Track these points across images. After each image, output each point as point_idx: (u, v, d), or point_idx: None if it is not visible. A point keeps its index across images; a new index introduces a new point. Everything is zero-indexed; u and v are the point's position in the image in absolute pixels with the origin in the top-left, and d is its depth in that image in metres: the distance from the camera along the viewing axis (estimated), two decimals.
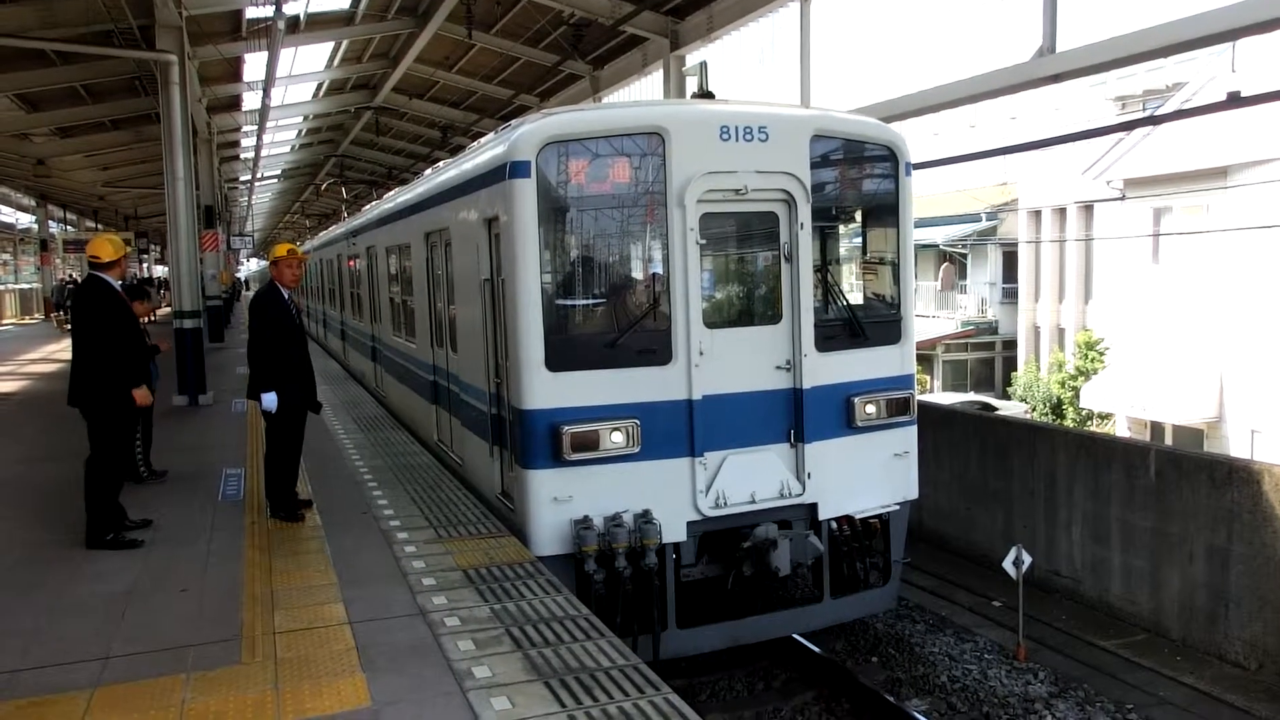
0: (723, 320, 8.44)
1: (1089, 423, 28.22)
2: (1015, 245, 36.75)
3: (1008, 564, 9.50)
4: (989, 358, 38.69)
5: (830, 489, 8.54)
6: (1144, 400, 25.44)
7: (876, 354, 8.89)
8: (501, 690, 5.15)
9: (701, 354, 8.04)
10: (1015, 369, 35.29)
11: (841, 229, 9.48)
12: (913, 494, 9.21)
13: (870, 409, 8.72)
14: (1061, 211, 33.42)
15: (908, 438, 9.08)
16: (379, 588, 6.81)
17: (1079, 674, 9.12)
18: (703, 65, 10.52)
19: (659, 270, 8.13)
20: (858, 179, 9.29)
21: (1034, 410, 30.55)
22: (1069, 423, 28.19)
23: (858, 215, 9.50)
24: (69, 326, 9.46)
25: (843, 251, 9.58)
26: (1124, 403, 26.47)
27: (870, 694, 8.49)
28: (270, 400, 8.38)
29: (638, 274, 8.43)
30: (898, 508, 9.06)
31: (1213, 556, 9.33)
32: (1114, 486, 10.35)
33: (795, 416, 8.40)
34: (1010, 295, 37.57)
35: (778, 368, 8.38)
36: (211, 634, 6.03)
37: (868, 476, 8.82)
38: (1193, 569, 9.53)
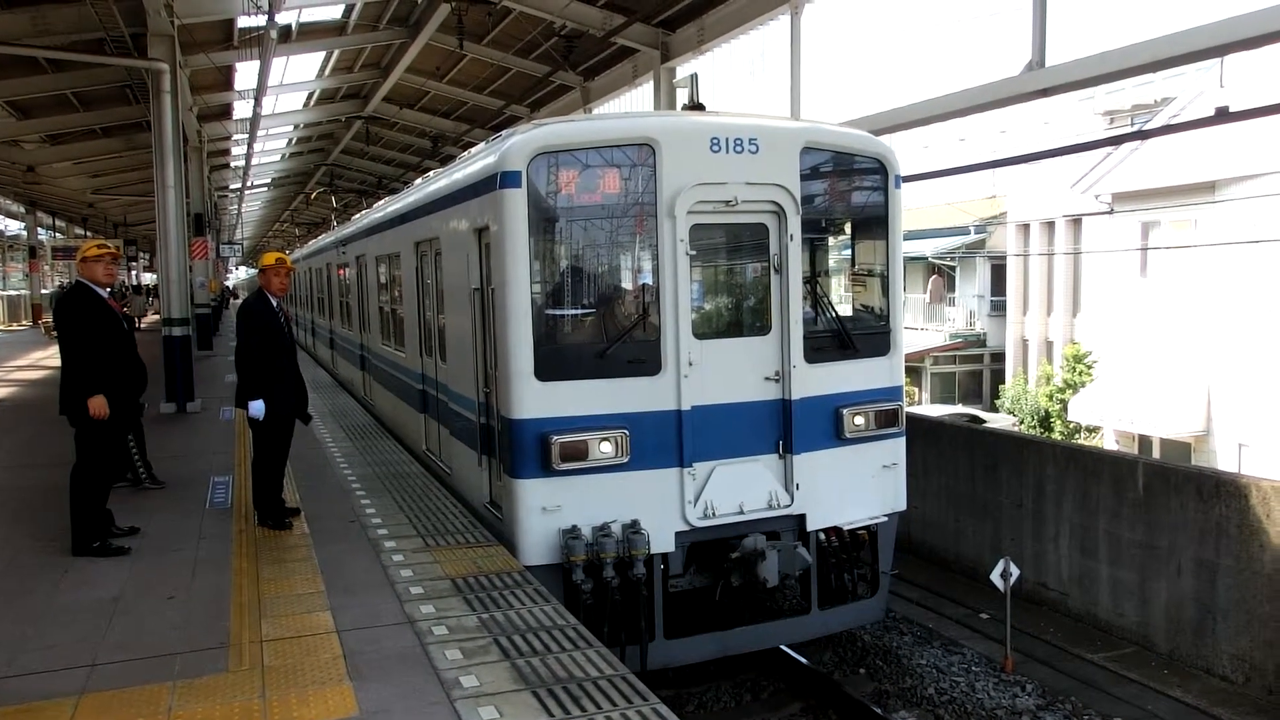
0: (712, 331, 8.45)
1: (1077, 435, 28.29)
2: (1004, 258, 36.87)
3: (995, 576, 9.51)
4: (977, 370, 38.79)
5: (819, 500, 8.55)
6: (1132, 413, 25.51)
7: (865, 366, 8.91)
8: (489, 699, 5.14)
9: (691, 364, 8.04)
10: (1003, 381, 35.37)
11: (831, 241, 9.50)
12: (901, 505, 9.23)
13: (859, 420, 8.74)
14: (1050, 225, 33.54)
15: (896, 449, 9.11)
16: (367, 596, 6.79)
17: (1066, 687, 9.13)
18: (693, 77, 10.55)
19: (649, 281, 8.14)
20: (847, 191, 9.32)
21: (1022, 423, 30.63)
22: (1057, 436, 28.26)
23: (847, 227, 9.52)
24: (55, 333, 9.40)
25: (832, 263, 9.59)
26: (1112, 416, 26.53)
27: (858, 705, 8.49)
28: (257, 408, 8.37)
29: (628, 284, 8.45)
30: (886, 519, 9.06)
31: (1200, 570, 9.36)
32: (1102, 499, 10.38)
33: (784, 427, 8.41)
34: (998, 308, 37.68)
35: (767, 379, 8.39)
36: (198, 642, 6.02)
37: (856, 488, 8.83)
38: (1180, 582, 9.55)
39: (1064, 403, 29.42)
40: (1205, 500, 9.32)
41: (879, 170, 9.01)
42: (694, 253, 8.11)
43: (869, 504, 8.94)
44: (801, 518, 8.50)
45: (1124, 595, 10.15)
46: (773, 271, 8.42)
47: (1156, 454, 24.40)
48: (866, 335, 9.03)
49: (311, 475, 10.71)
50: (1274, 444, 21.90)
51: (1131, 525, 10.04)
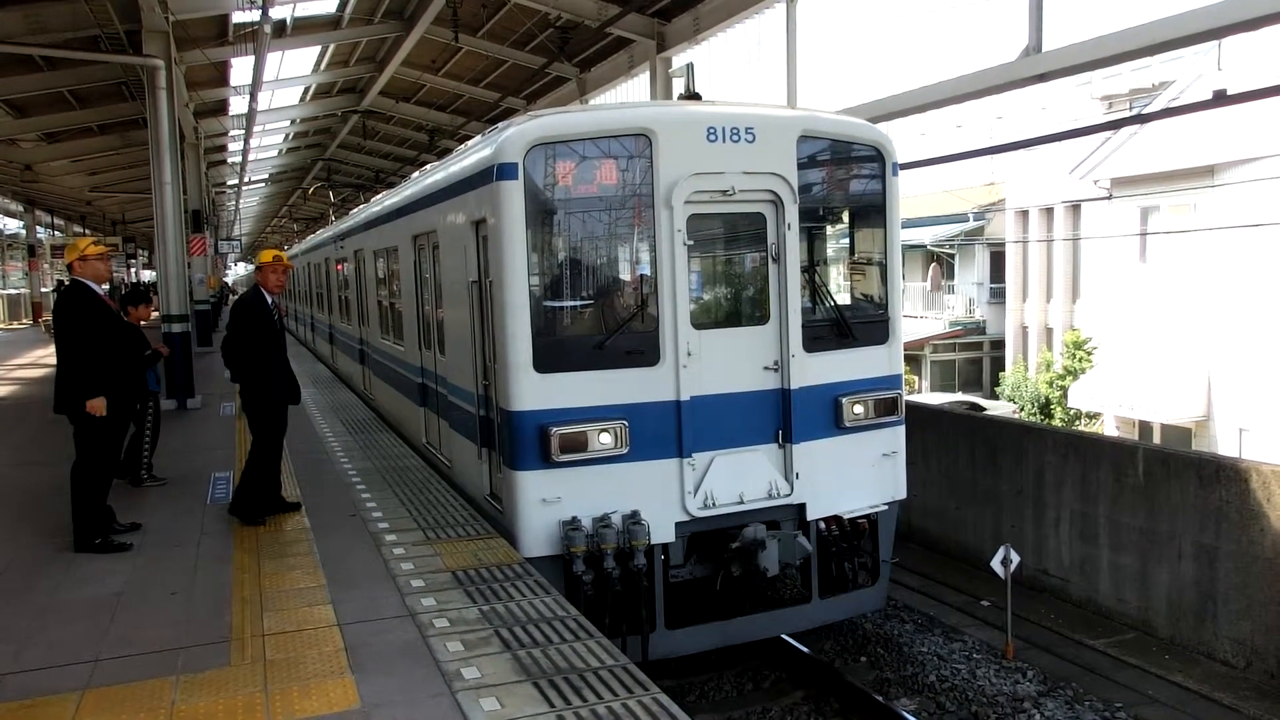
0: (711, 321, 8.45)
1: (1077, 422, 28.30)
2: (1003, 245, 36.84)
3: (996, 563, 9.52)
4: (977, 358, 38.77)
5: (818, 489, 8.56)
6: (1132, 399, 25.51)
7: (864, 354, 8.91)
8: (490, 691, 5.16)
9: (689, 355, 8.05)
10: (1003, 369, 35.36)
11: (829, 229, 9.50)
12: (901, 494, 9.24)
13: (858, 409, 8.75)
14: (1049, 211, 33.50)
15: (896, 438, 9.12)
16: (368, 589, 6.81)
17: (1067, 673, 9.15)
18: (689, 66, 10.49)
19: (646, 271, 8.14)
20: (845, 179, 9.30)
21: (1022, 410, 30.62)
22: (1057, 422, 28.27)
23: (845, 216, 9.51)
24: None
25: (830, 252, 9.60)
26: (1112, 402, 26.53)
27: (859, 694, 8.50)
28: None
29: (625, 275, 8.45)
30: (886, 508, 9.08)
31: (1201, 555, 9.37)
32: (1102, 485, 10.39)
33: (783, 417, 8.41)
34: (998, 295, 37.65)
35: (766, 368, 8.40)
36: (201, 636, 6.04)
37: (856, 477, 8.84)
38: (1181, 567, 9.56)
39: (1064, 389, 29.41)
40: (1205, 485, 9.32)
41: (876, 158, 8.99)
42: (691, 243, 8.09)
43: (869, 493, 8.95)
44: (801, 507, 8.52)
45: (1125, 581, 10.17)
46: (770, 261, 8.41)
47: (1157, 439, 24.44)
48: (865, 324, 9.03)
49: (312, 469, 10.73)
50: (1274, 428, 21.91)
51: (1132, 511, 10.05)
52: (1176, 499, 9.60)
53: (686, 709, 6.02)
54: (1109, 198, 27.74)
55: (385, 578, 7.06)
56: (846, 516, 8.79)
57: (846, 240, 9.61)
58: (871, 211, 9.18)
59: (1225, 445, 23.08)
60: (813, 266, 8.88)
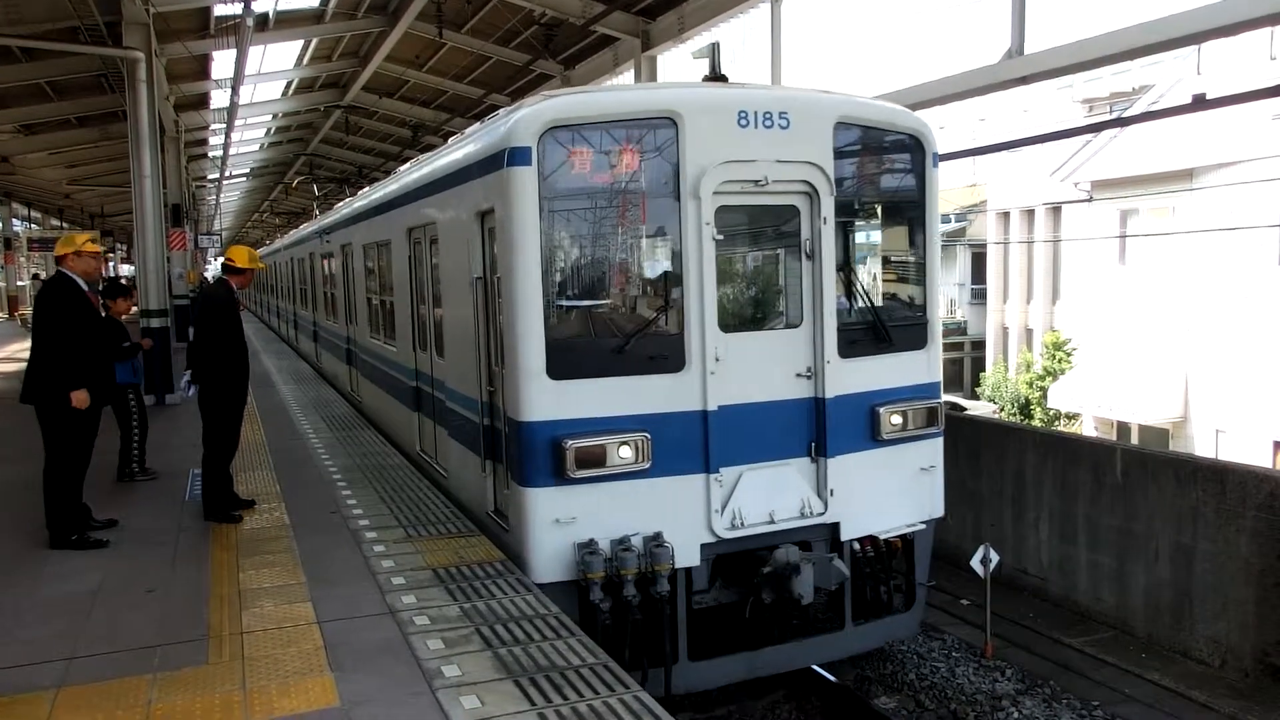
0: (739, 323, 7.81)
1: (1056, 423, 28.45)
2: (984, 246, 37.03)
3: (975, 562, 9.54)
4: (958, 358, 38.96)
5: (853, 507, 7.94)
6: (1111, 400, 25.69)
7: (902, 360, 8.28)
8: (471, 689, 5.14)
9: (717, 360, 7.40)
10: (984, 369, 35.56)
11: (865, 224, 8.73)
12: (939, 511, 8.64)
13: (896, 420, 8.12)
14: (1030, 213, 33.70)
15: (934, 451, 8.50)
16: (348, 587, 6.78)
17: (1046, 671, 9.18)
18: (715, 45, 9.14)
19: (671, 268, 7.50)
20: (883, 170, 8.62)
21: (1002, 410, 30.77)
22: (1037, 423, 28.42)
23: (880, 209, 8.81)
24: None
25: (866, 248, 8.83)
26: (1091, 403, 26.72)
27: (840, 691, 8.52)
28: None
29: (648, 272, 7.71)
30: (923, 526, 8.50)
31: (1177, 554, 9.42)
32: (1081, 485, 10.43)
33: (817, 428, 7.79)
34: (979, 296, 37.89)
35: (798, 375, 7.77)
36: (178, 634, 6.00)
37: (893, 493, 8.23)
38: (1158, 567, 9.62)
39: (1044, 390, 29.58)
40: (1182, 485, 9.38)
41: (916, 147, 8.35)
42: (721, 237, 7.44)
43: (906, 510, 8.34)
44: (835, 526, 7.90)
45: (1103, 580, 10.22)
46: (804, 258, 7.79)
47: (1135, 440, 24.59)
48: (903, 327, 8.39)
49: (293, 467, 10.67)
50: (1250, 429, 22.09)
51: (1110, 511, 10.10)
52: (1154, 499, 9.65)
53: (666, 707, 6.00)
54: (1089, 200, 27.91)
55: (365, 575, 7.02)
56: (882, 536, 8.18)
57: (882, 236, 8.98)
58: (910, 205, 8.51)
59: (1202, 446, 23.25)
60: (849, 264, 8.17)
